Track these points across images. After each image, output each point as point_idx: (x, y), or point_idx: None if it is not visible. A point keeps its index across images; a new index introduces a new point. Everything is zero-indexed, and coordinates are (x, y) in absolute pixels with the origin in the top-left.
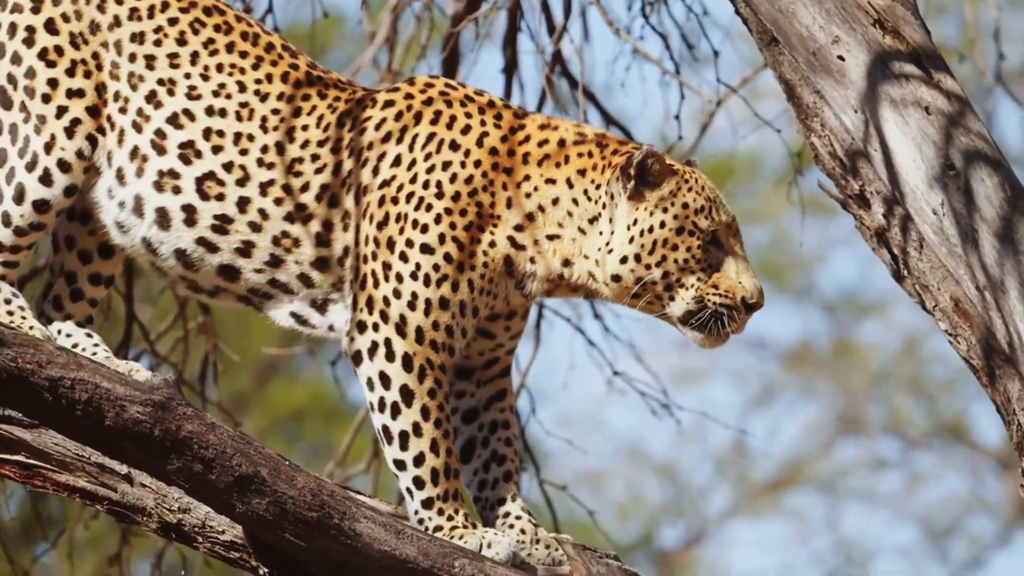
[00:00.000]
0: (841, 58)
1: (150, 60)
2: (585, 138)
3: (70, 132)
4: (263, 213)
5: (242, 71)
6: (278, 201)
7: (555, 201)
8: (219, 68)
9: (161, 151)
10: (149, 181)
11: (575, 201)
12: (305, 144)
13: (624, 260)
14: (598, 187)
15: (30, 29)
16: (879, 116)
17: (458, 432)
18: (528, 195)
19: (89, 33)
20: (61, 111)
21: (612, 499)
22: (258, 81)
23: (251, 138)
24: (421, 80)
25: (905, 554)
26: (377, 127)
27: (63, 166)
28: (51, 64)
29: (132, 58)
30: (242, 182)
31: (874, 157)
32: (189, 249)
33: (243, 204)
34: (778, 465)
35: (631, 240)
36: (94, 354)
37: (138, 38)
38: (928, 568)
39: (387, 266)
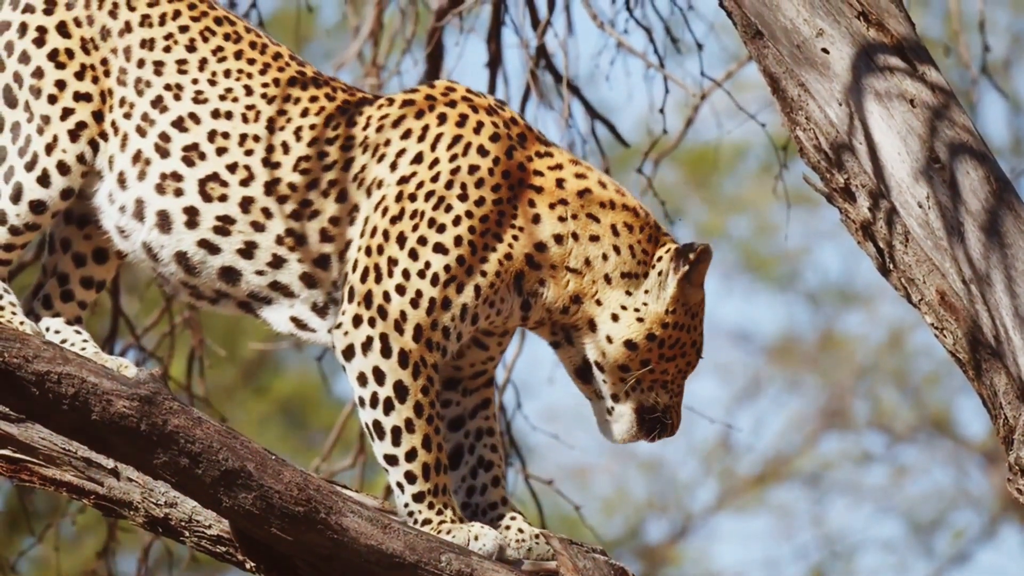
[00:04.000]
0: (825, 51)
1: (158, 66)
2: (625, 195)
3: (74, 135)
4: (267, 212)
5: (249, 76)
6: (282, 199)
7: (594, 238)
8: (227, 74)
9: (164, 154)
10: (151, 184)
11: (616, 249)
12: (313, 142)
13: (651, 337)
14: (645, 252)
15: (41, 29)
16: (864, 109)
17: (446, 439)
18: (562, 219)
19: (100, 39)
20: (67, 113)
21: (598, 494)
22: (265, 85)
23: (256, 139)
24: (442, 84)
25: (890, 548)
26: (395, 124)
27: (62, 168)
28: (60, 66)
29: (140, 64)
30: (246, 182)
31: (859, 150)
32: (190, 252)
33: (246, 204)
34: (763, 459)
35: (665, 325)
36: (83, 350)
37: (148, 44)
38: (913, 562)
39: (393, 261)
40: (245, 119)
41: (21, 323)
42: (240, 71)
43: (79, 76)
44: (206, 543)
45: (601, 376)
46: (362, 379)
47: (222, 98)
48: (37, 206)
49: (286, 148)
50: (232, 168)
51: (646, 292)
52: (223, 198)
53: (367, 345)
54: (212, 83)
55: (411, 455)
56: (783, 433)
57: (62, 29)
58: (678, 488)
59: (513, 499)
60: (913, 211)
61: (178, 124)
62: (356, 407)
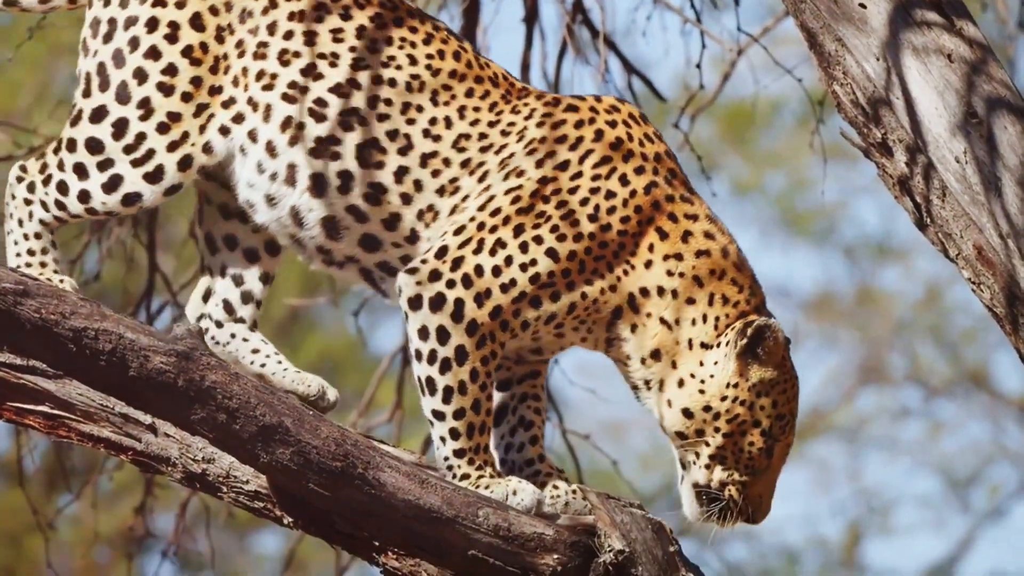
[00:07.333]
0: (863, 6)
1: (310, 36)
2: (741, 269)
3: (203, 128)
4: (418, 184)
5: (412, 45)
6: (435, 173)
7: (690, 301)
8: (388, 41)
9: (320, 118)
10: (306, 148)
11: (704, 318)
12: (475, 122)
13: (707, 409)
14: (728, 326)
15: (173, 25)
16: (901, 64)
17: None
18: (670, 273)
19: (238, 22)
20: (201, 109)
21: (635, 448)
22: (429, 56)
23: (420, 109)
24: (608, 100)
25: (926, 503)
26: (555, 126)
27: (184, 163)
28: (196, 62)
29: (288, 36)
30: (404, 151)
31: (896, 105)
32: (339, 216)
33: (401, 174)
34: (800, 414)
35: (723, 399)
36: (279, 362)
37: (296, 16)
38: (949, 517)
39: (501, 243)
40: (409, 88)
41: (61, 280)
42: (403, 39)
43: (214, 70)
44: (244, 499)
45: (668, 438)
46: (423, 333)
47: (384, 65)
48: (133, 198)
49: (448, 123)
50: (392, 135)
51: (714, 364)
52: (379, 165)
53: (436, 302)
54: (373, 50)
55: (459, 414)
56: (820, 388)
57: (196, 22)
58: None
59: (550, 454)
60: (950, 166)
61: (336, 90)
62: (411, 356)
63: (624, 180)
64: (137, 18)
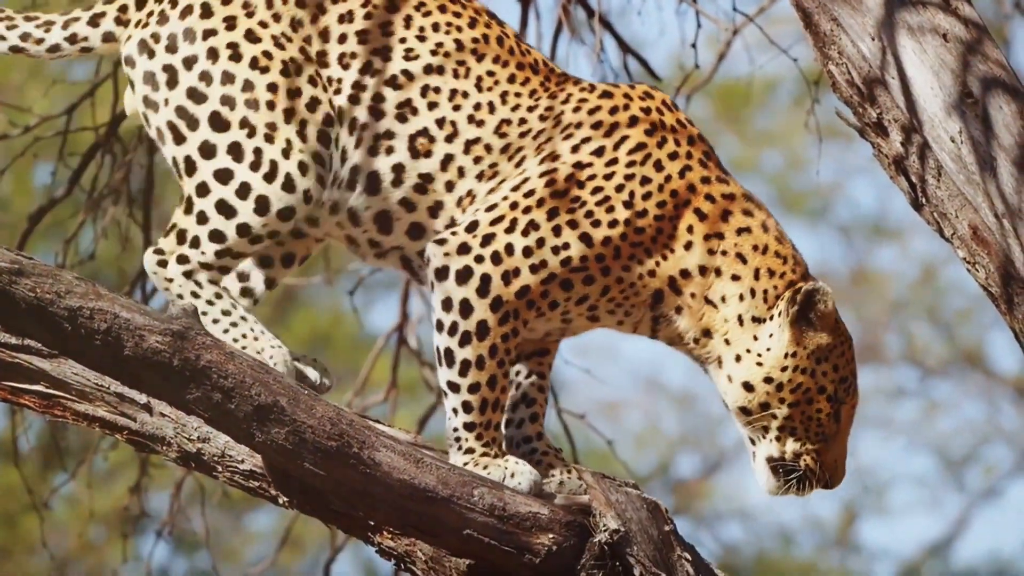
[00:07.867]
0: None
1: (363, 35)
2: (782, 241)
3: (302, 134)
4: (461, 171)
5: (459, 29)
6: (477, 159)
7: (735, 278)
8: (435, 27)
9: (379, 115)
10: (366, 148)
11: (752, 292)
12: (516, 108)
13: (768, 380)
14: (778, 297)
15: (232, 45)
16: (896, 43)
17: None
18: (712, 252)
19: (291, 31)
20: (288, 114)
21: (630, 428)
22: (475, 40)
23: (465, 95)
24: (641, 87)
25: (922, 483)
26: (591, 112)
27: (302, 168)
28: (265, 70)
29: (342, 39)
30: (450, 138)
31: (892, 85)
32: (391, 210)
33: (446, 162)
34: None
35: (783, 369)
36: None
37: (346, 18)
38: (944, 497)
39: (534, 225)
40: (456, 74)
41: (270, 345)
42: (449, 24)
43: (285, 73)
44: (239, 478)
45: (733, 416)
46: (447, 304)
47: (433, 52)
48: (287, 213)
49: (491, 108)
50: (440, 123)
51: (769, 336)
52: (428, 154)
53: (463, 275)
54: (421, 39)
55: (474, 388)
56: None
57: (250, 36)
58: (710, 423)
59: (551, 441)
60: (946, 146)
61: (391, 82)
62: (433, 326)
63: (659, 166)
64: (196, 56)
